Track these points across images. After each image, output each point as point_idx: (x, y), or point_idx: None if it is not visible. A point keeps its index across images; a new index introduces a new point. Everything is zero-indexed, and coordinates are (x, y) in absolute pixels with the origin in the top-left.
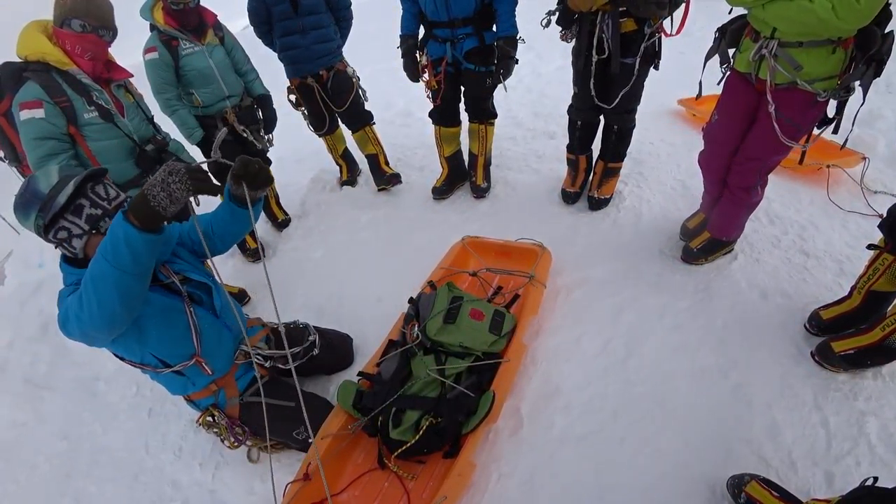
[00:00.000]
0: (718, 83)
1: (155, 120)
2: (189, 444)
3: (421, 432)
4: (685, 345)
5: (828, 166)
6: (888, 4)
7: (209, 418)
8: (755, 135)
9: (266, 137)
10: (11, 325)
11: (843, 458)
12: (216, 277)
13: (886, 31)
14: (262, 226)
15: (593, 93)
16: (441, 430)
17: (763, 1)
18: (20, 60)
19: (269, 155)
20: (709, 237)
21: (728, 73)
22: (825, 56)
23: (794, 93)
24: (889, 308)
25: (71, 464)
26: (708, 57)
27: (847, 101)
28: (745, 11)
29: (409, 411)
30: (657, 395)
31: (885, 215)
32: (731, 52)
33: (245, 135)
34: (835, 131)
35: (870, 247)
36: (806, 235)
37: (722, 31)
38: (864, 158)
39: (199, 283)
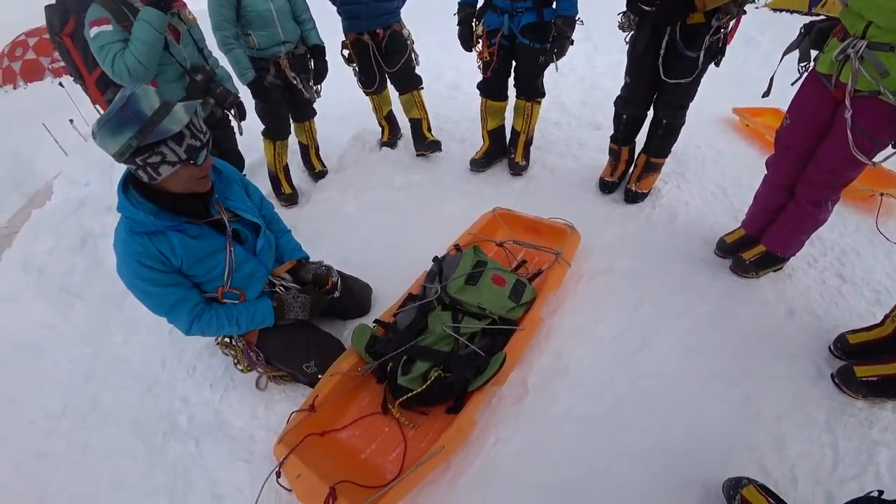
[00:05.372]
0: (793, 83)
1: (205, 49)
2: (203, 364)
3: (428, 383)
4: (699, 348)
5: (881, 194)
6: None
7: (227, 339)
8: (828, 146)
9: (315, 88)
10: (53, 234)
11: (848, 482)
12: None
13: None
14: (298, 174)
15: (662, 74)
16: (448, 384)
17: None
18: None
19: (314, 106)
20: (764, 251)
21: (806, 74)
22: None
23: (875, 103)
24: None
25: (91, 368)
26: (787, 51)
27: None
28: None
29: (420, 361)
30: (663, 391)
31: None
32: (812, 53)
33: (294, 82)
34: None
35: None
36: (846, 260)
37: (808, 27)
38: None
39: (248, 222)
